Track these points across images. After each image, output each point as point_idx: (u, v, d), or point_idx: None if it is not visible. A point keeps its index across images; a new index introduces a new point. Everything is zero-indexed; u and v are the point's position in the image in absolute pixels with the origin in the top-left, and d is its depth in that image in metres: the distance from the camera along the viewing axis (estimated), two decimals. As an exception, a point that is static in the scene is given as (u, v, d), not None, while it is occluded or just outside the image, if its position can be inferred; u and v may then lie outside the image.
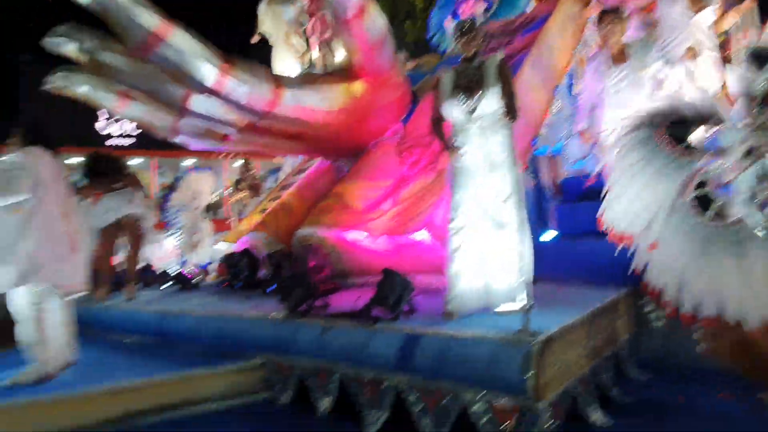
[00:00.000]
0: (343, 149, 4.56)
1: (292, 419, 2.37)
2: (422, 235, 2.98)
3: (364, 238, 3.39)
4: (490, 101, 2.31)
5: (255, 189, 7.16)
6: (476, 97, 2.30)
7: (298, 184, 5.24)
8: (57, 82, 3.25)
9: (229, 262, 4.39)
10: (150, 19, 2.89)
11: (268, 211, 5.14)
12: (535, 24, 4.42)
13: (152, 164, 12.47)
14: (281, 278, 3.07)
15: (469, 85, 2.33)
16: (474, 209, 2.37)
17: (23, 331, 2.54)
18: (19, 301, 2.50)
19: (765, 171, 1.69)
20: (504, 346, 1.77)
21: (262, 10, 5.67)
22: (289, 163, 7.66)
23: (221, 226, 7.95)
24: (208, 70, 3.08)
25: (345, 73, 3.97)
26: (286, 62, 5.56)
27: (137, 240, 4.26)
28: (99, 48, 3.07)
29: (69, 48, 3.10)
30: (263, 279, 4.10)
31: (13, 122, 2.87)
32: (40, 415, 2.10)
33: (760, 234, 1.75)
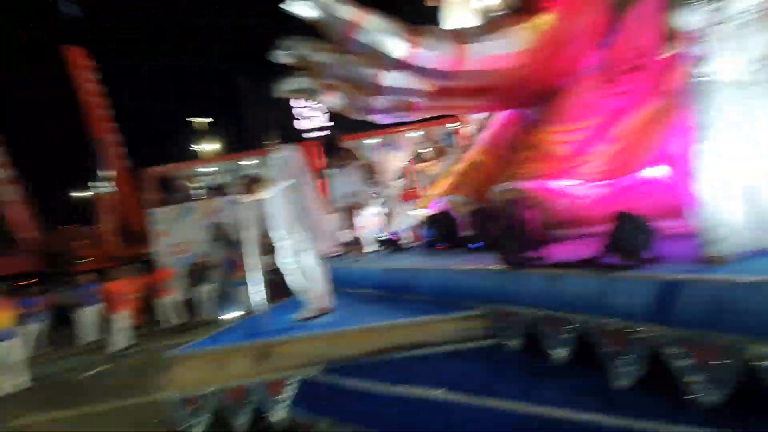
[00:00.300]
0: (532, 96, 4.24)
1: (521, 364, 2.44)
2: (655, 172, 2.54)
3: (576, 186, 3.12)
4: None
5: (441, 153, 7.41)
6: None
7: (485, 141, 5.16)
8: (283, 89, 4.01)
9: (430, 224, 4.72)
10: (347, 12, 3.23)
11: (457, 173, 5.26)
12: None
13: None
14: (492, 233, 3.14)
15: None
16: (730, 131, 1.89)
17: (295, 282, 3.31)
18: (290, 260, 3.27)
19: None
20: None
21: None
22: (468, 123, 7.63)
23: (409, 196, 8.54)
24: (398, 44, 3.27)
25: (529, 7, 3.64)
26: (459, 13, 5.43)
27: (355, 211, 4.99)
28: (311, 51, 3.61)
29: (288, 56, 3.75)
30: (464, 237, 4.28)
31: (267, 129, 3.65)
32: (316, 347, 2.73)
33: None
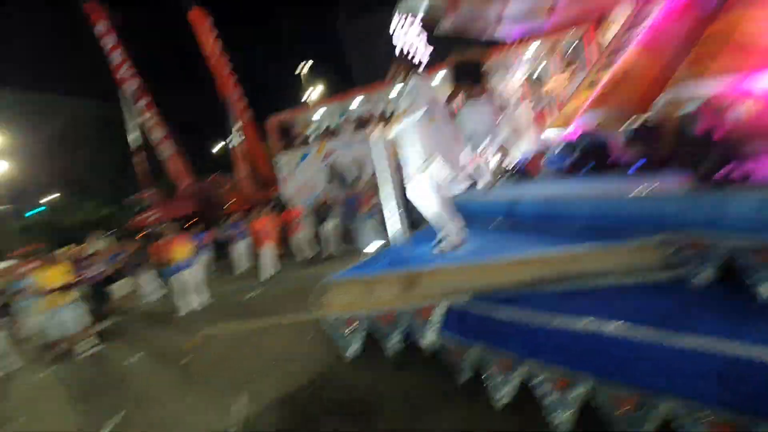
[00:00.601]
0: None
1: (715, 300, 2.06)
2: None
3: None
4: None
5: (570, 66, 6.45)
6: None
7: (642, 40, 4.26)
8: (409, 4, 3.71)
9: (572, 146, 4.20)
10: None
11: (603, 83, 4.50)
12: None
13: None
14: (663, 150, 2.61)
15: None
16: None
17: (431, 212, 3.26)
18: (426, 192, 3.19)
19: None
20: None
21: None
22: (608, 26, 6.42)
23: (537, 118, 7.79)
24: None
25: None
26: None
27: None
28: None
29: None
30: (618, 158, 3.71)
31: (394, 60, 3.46)
32: (464, 276, 2.67)
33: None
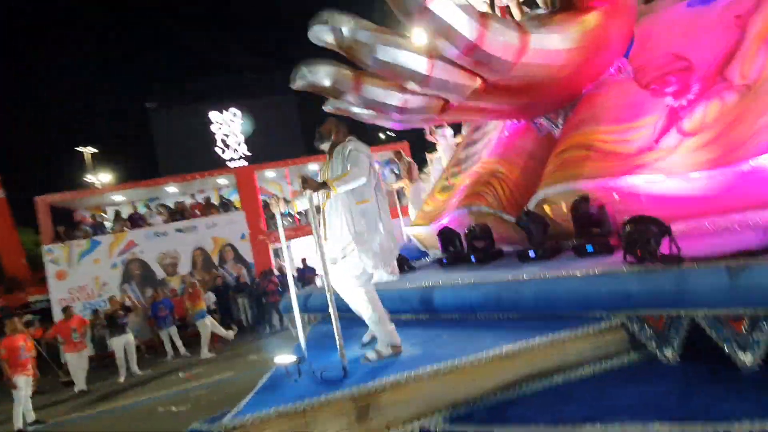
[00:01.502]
0: (560, 98, 4.17)
1: (689, 377, 2.06)
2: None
3: (658, 181, 2.95)
4: None
5: (411, 174, 7.12)
6: None
7: (496, 150, 4.97)
8: (299, 80, 3.33)
9: (449, 239, 4.37)
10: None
11: (470, 183, 4.95)
12: None
13: (286, 173, 13.28)
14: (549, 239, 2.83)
15: None
16: None
17: (363, 311, 2.60)
18: (350, 282, 2.56)
19: None
20: None
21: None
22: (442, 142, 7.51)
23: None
24: (469, 24, 2.88)
25: (573, 5, 3.57)
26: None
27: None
28: (356, 28, 3.04)
29: (329, 35, 3.11)
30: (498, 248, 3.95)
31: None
32: (442, 385, 2.05)
33: None
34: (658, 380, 2.04)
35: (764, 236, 2.16)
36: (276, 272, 10.48)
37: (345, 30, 3.01)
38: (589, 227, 3.11)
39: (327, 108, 4.34)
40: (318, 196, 2.62)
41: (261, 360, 6.56)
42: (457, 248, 4.54)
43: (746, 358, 1.94)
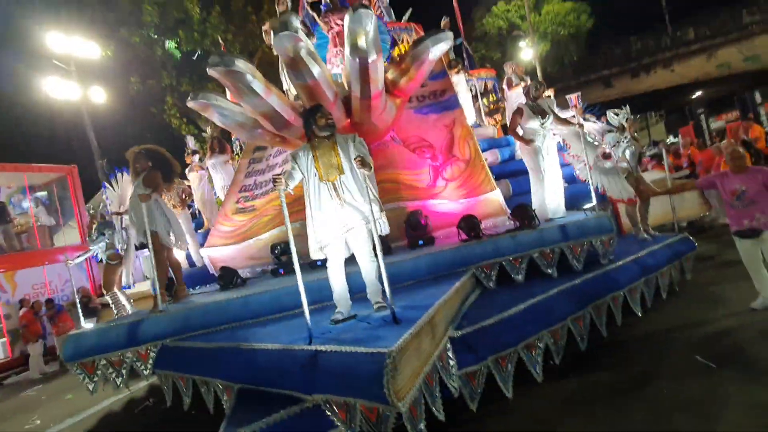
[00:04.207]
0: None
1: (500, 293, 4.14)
2: (493, 195, 5.15)
3: (446, 203, 5.19)
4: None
5: (183, 201, 6.65)
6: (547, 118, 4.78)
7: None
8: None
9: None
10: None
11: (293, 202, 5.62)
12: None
13: None
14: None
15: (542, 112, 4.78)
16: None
17: (372, 269, 3.17)
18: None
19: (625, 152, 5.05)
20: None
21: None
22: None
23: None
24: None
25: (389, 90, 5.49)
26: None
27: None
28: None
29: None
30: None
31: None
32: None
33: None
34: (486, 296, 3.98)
35: (505, 227, 4.64)
36: None
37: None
38: (416, 229, 4.91)
39: (191, 104, 4.16)
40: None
41: None
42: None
43: (518, 277, 4.21)
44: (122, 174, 5.54)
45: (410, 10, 9.24)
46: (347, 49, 3.94)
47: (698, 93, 27.17)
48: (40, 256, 9.88)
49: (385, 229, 3.07)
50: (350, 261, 3.16)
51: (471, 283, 4.07)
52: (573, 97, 8.33)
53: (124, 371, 3.66)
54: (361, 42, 3.75)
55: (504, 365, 3.12)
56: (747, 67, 22.94)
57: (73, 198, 10.75)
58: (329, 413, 2.29)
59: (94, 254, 5.54)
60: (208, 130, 8.02)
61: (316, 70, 3.90)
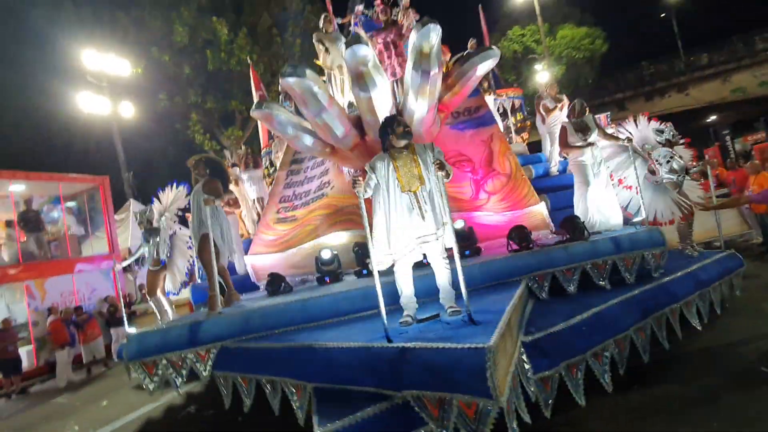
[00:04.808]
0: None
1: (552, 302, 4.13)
2: (538, 207, 5.21)
3: (490, 215, 5.24)
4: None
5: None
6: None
7: (345, 188, 6.03)
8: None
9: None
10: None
11: (332, 213, 5.73)
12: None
13: None
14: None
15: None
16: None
17: (447, 277, 3.20)
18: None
19: (674, 165, 5.08)
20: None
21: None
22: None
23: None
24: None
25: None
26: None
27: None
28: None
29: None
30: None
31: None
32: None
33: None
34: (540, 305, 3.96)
35: (554, 239, 4.67)
36: None
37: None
38: (463, 240, 4.94)
39: (255, 113, 4.33)
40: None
41: None
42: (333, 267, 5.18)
43: (570, 288, 4.19)
44: (171, 187, 5.67)
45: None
46: (410, 62, 4.10)
47: (713, 117, 27.33)
48: (69, 264, 10.01)
49: (452, 239, 3.11)
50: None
51: (526, 293, 4.07)
52: (602, 117, 8.46)
53: (184, 372, 3.68)
54: (426, 55, 3.90)
55: (574, 373, 3.10)
56: (763, 92, 23.06)
57: (104, 208, 10.95)
58: (419, 410, 2.30)
59: (141, 258, 5.64)
60: (242, 147, 8.28)
61: (380, 81, 4.05)
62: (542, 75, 22.47)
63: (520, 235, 4.50)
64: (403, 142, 3.13)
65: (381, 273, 2.94)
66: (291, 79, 3.76)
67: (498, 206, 5.46)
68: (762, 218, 6.97)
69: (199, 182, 4.45)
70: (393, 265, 3.19)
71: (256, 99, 11.49)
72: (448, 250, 3.14)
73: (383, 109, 4.34)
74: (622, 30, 27.63)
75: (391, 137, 3.10)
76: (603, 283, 4.15)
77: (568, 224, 4.61)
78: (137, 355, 3.66)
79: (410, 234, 3.04)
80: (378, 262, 3.15)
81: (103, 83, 15.09)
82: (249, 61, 15.31)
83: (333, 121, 4.30)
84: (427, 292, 3.47)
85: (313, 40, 6.09)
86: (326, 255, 5.20)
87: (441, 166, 2.92)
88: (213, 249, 4.05)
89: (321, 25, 6.31)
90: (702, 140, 22.53)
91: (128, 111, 15.91)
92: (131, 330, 5.24)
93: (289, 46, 18.85)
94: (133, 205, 13.59)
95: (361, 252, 5.10)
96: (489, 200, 5.56)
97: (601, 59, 25.78)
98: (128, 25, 16.77)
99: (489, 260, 4.22)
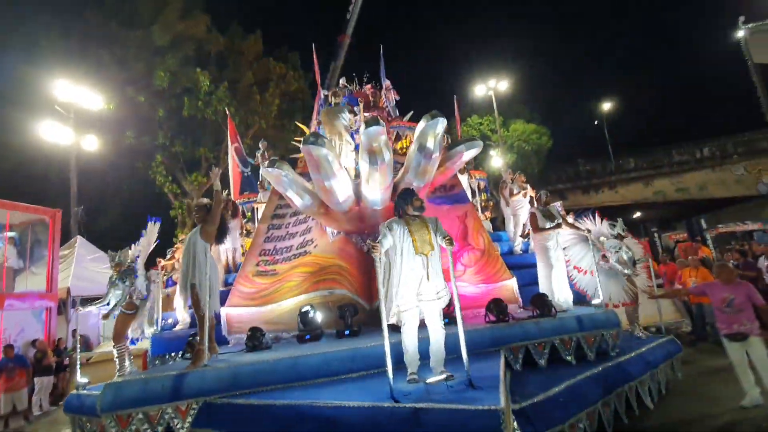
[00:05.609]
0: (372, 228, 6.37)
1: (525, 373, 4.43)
2: (510, 282, 5.67)
3: (466, 286, 5.62)
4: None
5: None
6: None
7: (329, 249, 6.24)
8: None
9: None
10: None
11: (315, 271, 5.83)
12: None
13: None
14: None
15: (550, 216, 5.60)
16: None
17: (442, 339, 3.43)
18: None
19: (623, 255, 5.85)
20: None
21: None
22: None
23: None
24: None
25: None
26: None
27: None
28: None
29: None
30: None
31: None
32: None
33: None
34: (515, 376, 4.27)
35: (524, 314, 5.09)
36: None
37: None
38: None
39: (267, 171, 4.60)
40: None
41: None
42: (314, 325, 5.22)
43: (541, 361, 4.55)
44: (154, 223, 5.58)
45: (412, 112, 10.62)
46: (415, 145, 4.65)
47: (638, 214, 30.96)
48: (1, 299, 8.98)
49: (456, 302, 3.44)
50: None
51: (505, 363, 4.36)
52: (558, 204, 9.48)
53: (159, 428, 3.47)
54: (430, 142, 4.48)
55: (554, 442, 3.33)
56: (679, 197, 26.72)
57: (50, 243, 10.14)
58: (431, 471, 2.42)
59: (107, 303, 5.33)
60: (224, 192, 8.28)
61: (387, 157, 4.52)
62: (496, 160, 24.73)
63: (498, 307, 4.88)
64: (416, 213, 3.54)
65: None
66: (312, 147, 4.14)
67: (473, 279, 5.88)
68: (699, 308, 7.89)
69: (197, 227, 4.47)
70: (391, 326, 3.41)
71: (231, 150, 11.76)
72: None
73: (384, 182, 4.79)
74: (564, 130, 31.56)
75: (407, 207, 3.51)
76: (570, 358, 4.55)
77: (538, 301, 5.09)
78: (112, 407, 3.42)
79: (416, 293, 3.35)
80: (393, 314, 3.40)
81: (70, 114, 14.66)
82: (227, 112, 15.69)
83: (339, 186, 4.66)
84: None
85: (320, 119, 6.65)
86: (309, 313, 5.25)
87: (450, 242, 3.34)
88: (208, 299, 4.02)
89: (329, 96, 6.93)
90: (634, 234, 25.30)
91: (91, 144, 15.38)
92: (83, 380, 4.81)
93: (267, 105, 19.55)
94: (80, 242, 12.68)
95: (348, 312, 5.22)
96: (465, 272, 5.98)
97: (546, 152, 28.87)
98: (110, 63, 16.77)
99: (471, 329, 4.51)
